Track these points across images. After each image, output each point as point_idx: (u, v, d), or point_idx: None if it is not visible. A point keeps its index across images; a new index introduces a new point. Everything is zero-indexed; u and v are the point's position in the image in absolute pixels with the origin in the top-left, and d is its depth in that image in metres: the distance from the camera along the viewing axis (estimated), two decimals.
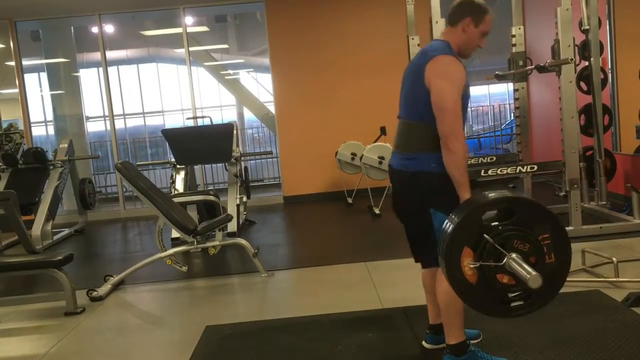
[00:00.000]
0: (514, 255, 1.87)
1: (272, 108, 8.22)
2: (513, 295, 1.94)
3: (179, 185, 6.09)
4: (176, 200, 4.62)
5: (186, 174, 6.18)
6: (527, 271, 1.81)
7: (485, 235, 1.88)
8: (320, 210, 7.02)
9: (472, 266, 1.89)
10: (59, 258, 3.62)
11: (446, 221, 2.02)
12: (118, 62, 10.66)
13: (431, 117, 2.18)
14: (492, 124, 11.27)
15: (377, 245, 4.84)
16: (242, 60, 11.98)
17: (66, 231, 6.48)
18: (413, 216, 2.34)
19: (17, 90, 7.72)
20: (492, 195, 2.00)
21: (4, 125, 7.53)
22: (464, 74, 2.19)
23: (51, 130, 9.31)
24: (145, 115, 11.10)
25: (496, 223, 1.93)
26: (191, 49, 8.00)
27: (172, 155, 6.06)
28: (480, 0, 2.27)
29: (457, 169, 2.13)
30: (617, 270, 3.30)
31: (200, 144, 5.79)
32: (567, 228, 4.40)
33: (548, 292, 1.91)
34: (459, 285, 1.93)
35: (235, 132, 6.05)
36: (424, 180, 2.22)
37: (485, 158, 5.89)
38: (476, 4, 2.25)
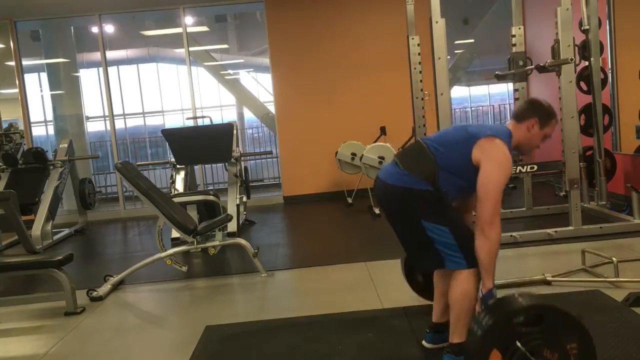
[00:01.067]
0: None
1: (272, 108, 8.22)
2: None
3: (179, 185, 6.09)
4: (176, 200, 4.62)
5: (186, 174, 6.19)
6: None
7: (517, 342, 1.88)
8: (320, 210, 7.02)
9: None
10: (59, 258, 3.62)
11: (477, 319, 2.02)
12: (118, 62, 10.66)
13: (448, 171, 2.23)
14: (493, 124, 11.27)
15: (377, 245, 4.83)
16: (242, 60, 11.97)
17: (66, 231, 6.48)
18: (408, 227, 2.35)
19: (17, 90, 7.72)
20: (524, 300, 1.99)
21: (4, 125, 7.52)
22: (511, 169, 2.25)
23: (51, 130, 9.31)
24: (145, 115, 11.10)
25: (525, 328, 1.93)
26: (191, 49, 8.00)
27: (172, 155, 6.06)
28: (550, 105, 2.34)
29: (488, 256, 2.15)
30: (617, 270, 3.30)
31: (200, 144, 5.79)
32: (567, 228, 4.44)
33: None
34: None
35: (235, 132, 6.05)
36: (410, 195, 2.25)
37: None
38: (545, 107, 2.32)
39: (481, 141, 2.20)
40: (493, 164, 2.17)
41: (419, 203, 2.24)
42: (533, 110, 2.30)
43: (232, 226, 5.41)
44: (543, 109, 2.31)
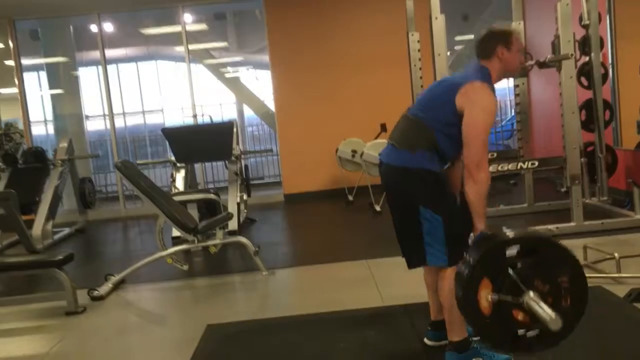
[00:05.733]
0: (532, 293, 1.86)
1: (272, 106, 8.21)
2: (523, 333, 1.93)
3: (179, 184, 6.08)
4: (176, 198, 4.62)
5: (186, 173, 6.18)
6: (547, 313, 1.81)
7: (509, 269, 1.87)
8: (320, 208, 7.01)
9: (490, 298, 1.88)
10: (60, 257, 3.62)
11: (470, 249, 2.02)
12: (117, 61, 10.62)
13: (442, 131, 2.21)
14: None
15: (378, 243, 4.82)
16: (242, 58, 11.95)
17: (66, 230, 6.47)
18: (403, 212, 2.33)
19: (16, 89, 7.71)
20: (516, 232, 1.99)
21: (4, 125, 7.52)
22: (497, 107, 2.23)
23: (51, 129, 9.29)
24: (145, 113, 11.07)
25: (517, 259, 1.92)
26: (190, 47, 7.99)
27: (172, 154, 6.05)
28: (500, 26, 2.33)
29: (478, 199, 2.14)
30: (619, 266, 3.30)
31: (201, 142, 5.79)
32: (568, 224, 4.43)
33: (559, 334, 1.90)
34: (472, 314, 1.92)
35: (235, 130, 6.04)
36: (416, 177, 2.23)
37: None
38: (499, 31, 2.30)
39: (463, 88, 2.19)
40: (476, 107, 2.16)
41: (420, 185, 2.22)
42: (492, 41, 2.27)
43: (232, 224, 5.41)
44: (499, 34, 2.28)
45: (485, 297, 1.88)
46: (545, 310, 1.82)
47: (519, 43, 2.30)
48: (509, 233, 1.99)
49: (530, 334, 1.91)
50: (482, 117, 2.16)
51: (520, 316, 1.89)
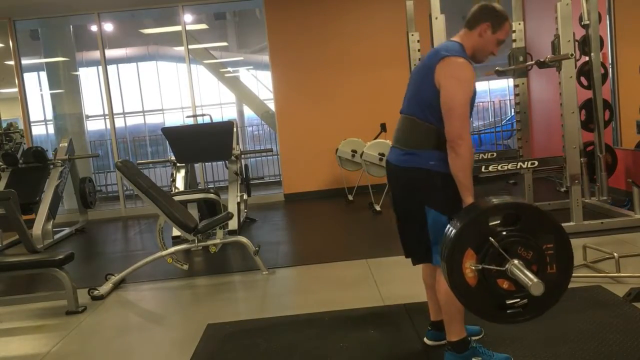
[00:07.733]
0: (516, 261, 1.86)
1: (272, 105, 8.21)
2: (511, 302, 1.93)
3: (180, 184, 6.08)
4: (177, 198, 4.62)
5: (186, 172, 6.18)
6: (529, 278, 1.81)
7: (490, 238, 1.87)
8: (321, 208, 7.02)
9: (473, 268, 1.88)
10: (60, 257, 3.62)
11: (452, 221, 2.01)
12: (117, 61, 10.64)
13: (435, 118, 2.18)
14: (493, 119, 11.26)
15: (378, 242, 4.84)
16: (242, 58, 11.94)
17: (67, 230, 6.48)
18: (408, 212, 2.33)
19: (16, 89, 7.72)
20: (499, 200, 2.00)
21: (4, 125, 7.52)
22: (474, 77, 2.18)
23: (51, 129, 9.30)
24: (145, 113, 11.08)
25: (501, 228, 1.92)
26: (190, 46, 7.99)
27: (172, 154, 6.06)
28: (501, 8, 2.27)
29: (462, 172, 2.12)
30: (619, 266, 3.30)
31: (201, 142, 5.79)
32: (568, 223, 4.44)
33: (545, 302, 1.90)
34: (458, 286, 1.92)
35: (235, 129, 6.05)
36: (421, 177, 2.21)
37: (486, 154, 5.88)
38: (497, 10, 2.24)
39: (437, 67, 2.16)
40: (451, 81, 2.14)
41: (427, 187, 2.20)
42: (484, 15, 2.23)
43: (232, 224, 5.41)
44: (494, 12, 2.23)
45: (470, 267, 1.89)
46: (527, 276, 1.82)
47: (504, 33, 2.25)
48: (491, 201, 1.99)
49: (517, 304, 1.92)
50: (458, 89, 2.13)
51: (505, 285, 1.89)
